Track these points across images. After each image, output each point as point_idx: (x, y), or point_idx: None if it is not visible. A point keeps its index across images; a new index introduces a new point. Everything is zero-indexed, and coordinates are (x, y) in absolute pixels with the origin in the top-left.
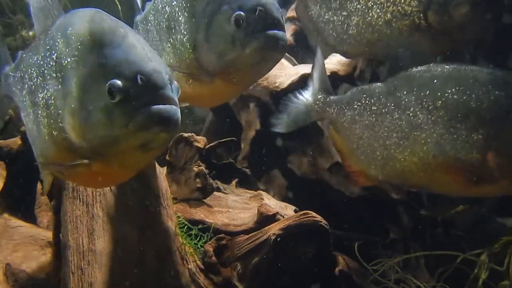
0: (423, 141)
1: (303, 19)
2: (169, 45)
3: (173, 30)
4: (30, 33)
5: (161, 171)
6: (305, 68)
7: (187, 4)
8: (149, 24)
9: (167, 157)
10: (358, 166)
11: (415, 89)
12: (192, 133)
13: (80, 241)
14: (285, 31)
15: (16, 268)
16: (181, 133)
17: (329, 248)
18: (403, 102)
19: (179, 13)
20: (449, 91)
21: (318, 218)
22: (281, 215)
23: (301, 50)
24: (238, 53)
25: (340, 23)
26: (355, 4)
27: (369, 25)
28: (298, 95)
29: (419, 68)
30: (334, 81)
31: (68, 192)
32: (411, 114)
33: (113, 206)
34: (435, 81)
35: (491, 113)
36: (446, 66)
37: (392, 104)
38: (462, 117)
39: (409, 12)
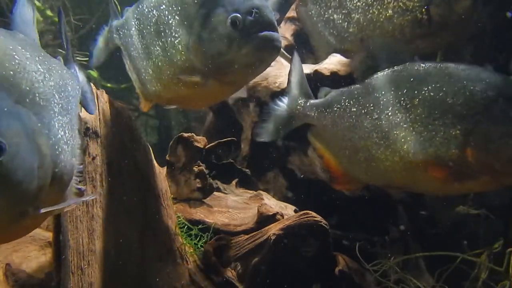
0: (403, 140)
1: (303, 19)
2: (157, 48)
3: (163, 34)
4: None
5: (161, 171)
6: (305, 68)
7: (178, 7)
8: (133, 29)
9: (167, 157)
10: (341, 169)
11: (392, 88)
12: (192, 133)
13: (80, 241)
14: (279, 33)
15: (16, 268)
16: (181, 133)
17: (329, 248)
18: (381, 102)
19: (170, 17)
20: (426, 89)
21: (318, 218)
22: (281, 215)
23: (301, 50)
24: (234, 53)
25: (340, 21)
26: (355, 2)
27: (370, 22)
28: (278, 102)
29: (396, 67)
30: (334, 81)
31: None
32: (390, 113)
33: (113, 206)
34: (411, 79)
35: (468, 108)
36: (422, 65)
37: (371, 104)
38: (439, 114)
39: (411, 7)
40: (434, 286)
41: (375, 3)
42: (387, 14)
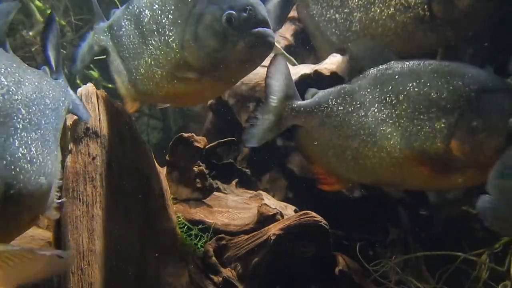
0: (389, 136)
1: (305, 19)
2: (150, 47)
3: (156, 33)
4: (30, 33)
5: (161, 171)
6: (305, 68)
7: (171, 6)
8: (123, 30)
9: (167, 157)
10: (330, 169)
11: (378, 86)
12: (192, 133)
13: (80, 241)
14: (271, 29)
15: None
16: (181, 133)
17: (329, 248)
18: (367, 100)
19: (163, 16)
20: (410, 85)
21: (318, 218)
22: (281, 215)
23: (301, 50)
24: (229, 50)
25: (342, 20)
26: (356, 0)
27: (372, 20)
28: (265, 106)
29: (380, 66)
30: (334, 81)
31: (68, 192)
32: (376, 110)
33: (113, 206)
34: (396, 76)
35: (451, 102)
36: (406, 62)
37: (358, 103)
38: (424, 108)
39: (412, 4)
40: (434, 287)
41: (376, 1)
42: (389, 12)
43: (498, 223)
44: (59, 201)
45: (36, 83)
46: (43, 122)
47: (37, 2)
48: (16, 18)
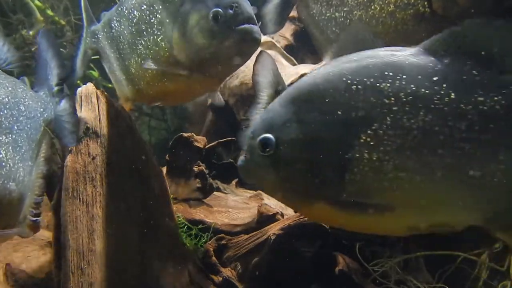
0: None
1: (305, 19)
2: (140, 47)
3: (145, 32)
4: (30, 32)
5: (161, 171)
6: (305, 68)
7: (159, 6)
8: (113, 31)
9: (167, 157)
10: None
11: None
12: (192, 133)
13: (80, 241)
14: (258, 26)
15: (16, 268)
16: (181, 133)
17: (329, 248)
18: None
19: (151, 16)
20: None
21: None
22: (281, 215)
23: (301, 50)
24: (217, 46)
25: (342, 19)
26: None
27: (372, 18)
28: (256, 105)
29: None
30: None
31: (68, 192)
32: None
33: (113, 206)
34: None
35: None
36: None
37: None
38: None
39: (412, 1)
40: (434, 287)
41: None
42: (389, 9)
43: (249, 178)
44: (35, 218)
45: (10, 89)
46: (15, 127)
47: (37, 2)
48: (16, 17)
